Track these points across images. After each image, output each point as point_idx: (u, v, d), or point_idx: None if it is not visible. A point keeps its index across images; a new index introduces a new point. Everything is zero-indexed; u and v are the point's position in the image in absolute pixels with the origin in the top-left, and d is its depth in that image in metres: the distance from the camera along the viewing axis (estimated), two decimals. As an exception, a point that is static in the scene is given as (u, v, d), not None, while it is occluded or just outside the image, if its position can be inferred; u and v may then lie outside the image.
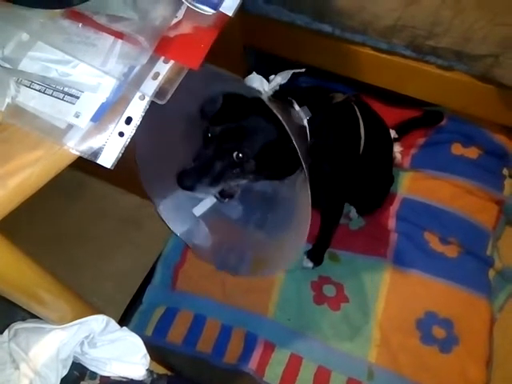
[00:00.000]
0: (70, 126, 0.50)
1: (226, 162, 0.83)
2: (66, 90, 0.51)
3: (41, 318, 0.67)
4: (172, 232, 1.30)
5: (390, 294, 1.16)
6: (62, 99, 0.50)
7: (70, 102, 0.50)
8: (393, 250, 1.22)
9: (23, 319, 0.69)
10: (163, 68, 0.51)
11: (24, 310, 0.66)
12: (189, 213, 1.10)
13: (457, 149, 1.36)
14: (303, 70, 0.80)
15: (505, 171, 1.33)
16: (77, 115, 0.49)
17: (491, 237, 1.24)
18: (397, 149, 1.34)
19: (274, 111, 0.71)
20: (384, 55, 1.27)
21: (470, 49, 1.13)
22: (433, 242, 1.23)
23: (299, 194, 0.92)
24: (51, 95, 0.51)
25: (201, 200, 0.92)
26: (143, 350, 0.67)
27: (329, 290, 1.19)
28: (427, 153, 1.37)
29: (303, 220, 0.77)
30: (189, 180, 0.82)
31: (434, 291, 1.15)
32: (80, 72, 0.50)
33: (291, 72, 0.81)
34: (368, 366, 1.07)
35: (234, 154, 0.82)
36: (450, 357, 1.07)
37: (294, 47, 1.37)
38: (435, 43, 1.16)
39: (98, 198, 1.43)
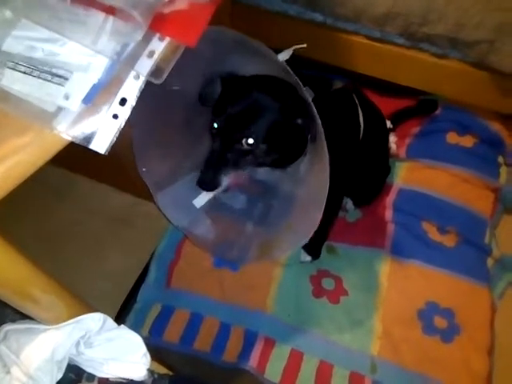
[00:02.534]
0: (60, 109, 0.46)
1: (236, 151, 0.82)
2: (53, 70, 0.47)
3: (32, 319, 0.63)
4: (165, 230, 1.28)
5: (390, 286, 1.14)
6: (50, 81, 0.47)
7: (59, 84, 0.47)
8: (391, 241, 1.21)
9: (12, 321, 0.65)
10: (158, 46, 0.48)
11: (14, 311, 0.63)
12: (189, 204, 1.07)
13: (452, 137, 1.35)
14: (304, 45, 0.78)
15: (500, 159, 1.32)
16: (66, 97, 0.46)
17: (489, 225, 1.23)
18: (392, 139, 1.33)
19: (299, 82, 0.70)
20: (377, 44, 1.25)
21: (464, 35, 1.11)
22: (431, 231, 1.22)
23: (306, 175, 0.90)
24: (38, 77, 0.47)
25: (201, 191, 0.90)
26: (143, 348, 0.64)
27: (328, 284, 1.16)
28: (422, 142, 1.36)
29: (317, 197, 0.75)
30: (207, 181, 0.82)
31: (433, 281, 1.14)
32: (69, 51, 0.47)
33: (292, 49, 0.79)
34: (370, 359, 1.05)
35: (243, 142, 0.80)
36: (452, 346, 1.06)
37: (286, 38, 1.33)
38: (429, 30, 1.14)
39: (89, 197, 1.39)
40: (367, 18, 1.19)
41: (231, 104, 0.81)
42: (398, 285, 1.14)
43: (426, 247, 1.19)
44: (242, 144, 0.81)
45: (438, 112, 1.38)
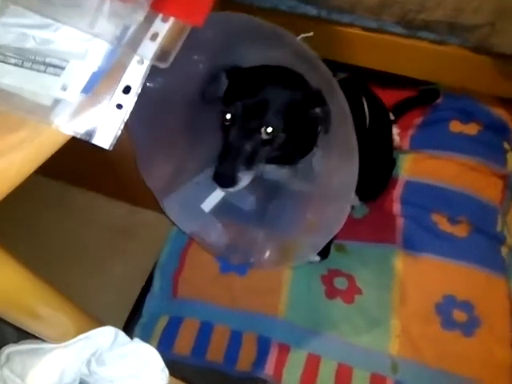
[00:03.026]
0: (57, 102, 0.42)
1: (255, 141, 0.77)
2: (47, 60, 0.43)
3: (38, 338, 0.58)
4: (166, 237, 1.23)
5: (405, 281, 1.11)
6: (45, 72, 0.42)
7: (55, 74, 0.42)
8: (401, 236, 1.17)
9: (15, 341, 0.60)
10: (162, 27, 0.44)
11: (16, 330, 0.58)
12: (198, 209, 1.02)
13: (455, 126, 1.32)
14: (311, 33, 0.74)
15: (506, 145, 1.30)
16: (64, 88, 0.41)
17: (499, 212, 1.20)
18: (394, 131, 1.30)
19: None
20: (374, 34, 1.23)
21: (464, 19, 1.09)
22: (441, 222, 1.18)
23: (321, 170, 0.86)
24: (30, 68, 0.43)
25: (209, 194, 0.85)
26: (160, 362, 0.58)
27: (340, 283, 1.12)
28: (426, 132, 1.33)
29: (341, 192, 0.71)
30: (225, 176, 0.76)
31: (449, 274, 1.11)
32: (63, 37, 0.42)
33: (299, 38, 0.75)
34: (391, 359, 1.01)
35: (262, 130, 0.76)
36: (474, 340, 1.03)
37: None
38: (427, 16, 1.12)
39: (85, 209, 1.35)
40: (363, 7, 1.16)
41: (247, 93, 0.77)
42: (413, 280, 1.11)
43: (438, 239, 1.16)
44: (260, 133, 0.77)
45: (439, 101, 1.35)
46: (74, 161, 1.23)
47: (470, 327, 1.04)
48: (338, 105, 0.68)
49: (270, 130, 0.77)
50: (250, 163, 0.78)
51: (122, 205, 1.33)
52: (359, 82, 1.02)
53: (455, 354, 1.01)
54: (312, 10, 1.25)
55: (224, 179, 0.77)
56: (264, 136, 0.77)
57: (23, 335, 0.58)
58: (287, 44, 0.69)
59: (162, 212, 1.07)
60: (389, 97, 1.33)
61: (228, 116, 0.78)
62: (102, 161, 1.14)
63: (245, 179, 0.77)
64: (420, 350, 1.02)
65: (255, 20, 0.66)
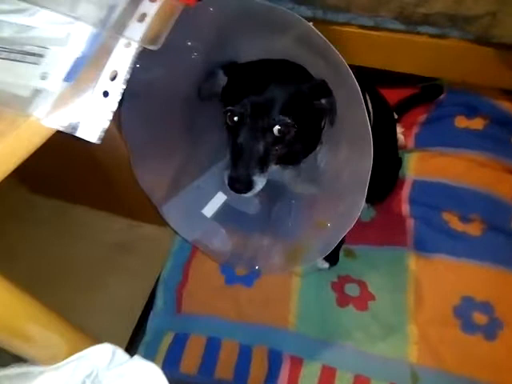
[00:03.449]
0: (37, 92, 0.37)
1: (267, 140, 0.74)
2: (26, 49, 0.39)
3: (27, 360, 0.53)
4: (168, 251, 1.19)
5: (419, 284, 1.06)
6: (22, 61, 0.38)
7: (34, 63, 0.38)
8: (412, 237, 1.13)
9: (4, 365, 0.55)
10: (150, 7, 0.40)
11: (6, 354, 0.53)
12: (199, 214, 0.97)
13: (460, 121, 1.29)
14: (311, 23, 0.71)
15: (513, 139, 1.26)
16: (44, 77, 0.37)
17: (512, 208, 1.15)
18: (398, 130, 1.27)
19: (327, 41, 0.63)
20: (371, 32, 1.20)
21: (464, 9, 1.06)
22: (452, 221, 1.14)
23: (327, 167, 0.82)
24: (7, 59, 0.39)
25: (210, 198, 0.81)
26: (164, 380, 0.53)
27: (352, 290, 1.08)
28: (430, 130, 1.30)
29: (353, 187, 0.67)
30: (241, 180, 0.73)
31: (465, 274, 1.06)
32: (41, 22, 0.38)
33: None
34: (410, 368, 0.96)
35: (275, 129, 0.73)
36: (497, 343, 0.97)
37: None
38: (427, 10, 1.09)
39: (83, 226, 1.32)
40: (359, 5, 1.14)
41: (251, 90, 0.74)
42: (428, 282, 1.06)
43: (451, 239, 1.12)
44: (272, 131, 0.74)
45: (442, 97, 1.32)
46: (69, 177, 1.20)
47: (491, 330, 0.99)
48: (349, 89, 0.64)
49: (281, 126, 0.74)
50: (263, 165, 0.75)
51: (121, 219, 1.30)
52: (363, 79, 0.99)
53: (478, 358, 0.96)
54: (306, 11, 1.22)
55: (240, 184, 0.73)
56: (276, 133, 0.74)
57: (19, 359, 0.54)
58: (291, 27, 0.65)
59: (162, 225, 1.03)
60: (391, 95, 1.30)
61: (235, 117, 0.74)
62: (98, 174, 1.10)
63: (259, 183, 0.74)
64: (440, 357, 0.97)
65: (258, 2, 0.62)
